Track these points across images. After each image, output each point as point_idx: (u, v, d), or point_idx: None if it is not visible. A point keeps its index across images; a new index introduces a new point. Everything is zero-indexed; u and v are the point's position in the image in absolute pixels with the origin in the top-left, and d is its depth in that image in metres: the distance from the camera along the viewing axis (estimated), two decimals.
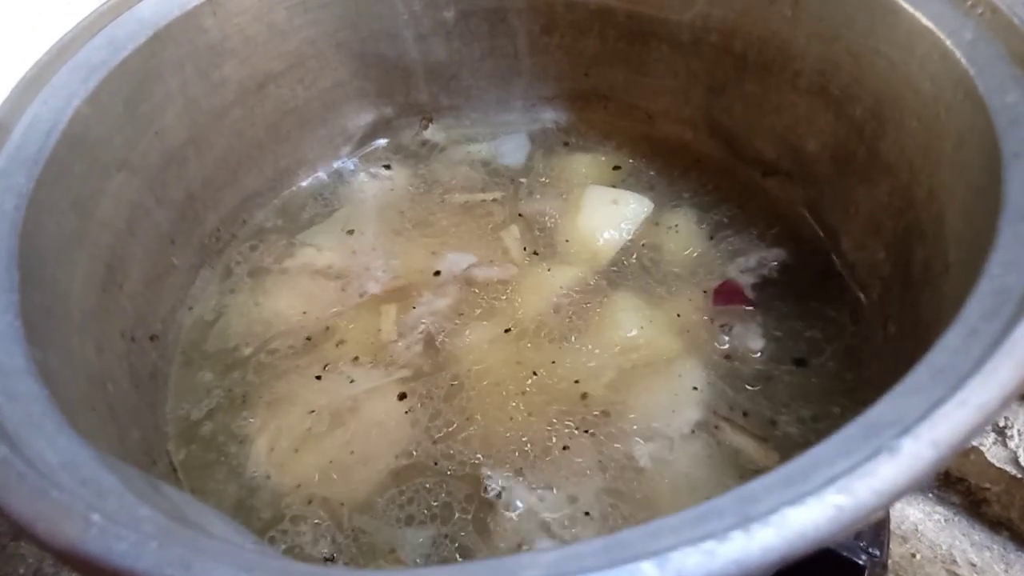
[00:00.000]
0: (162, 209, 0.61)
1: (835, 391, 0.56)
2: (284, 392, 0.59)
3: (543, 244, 0.67)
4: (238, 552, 0.29)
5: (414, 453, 0.54)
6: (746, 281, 0.63)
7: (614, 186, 0.71)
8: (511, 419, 0.55)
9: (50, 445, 0.34)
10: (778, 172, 0.69)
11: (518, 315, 0.62)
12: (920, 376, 0.31)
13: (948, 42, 0.48)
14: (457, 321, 0.62)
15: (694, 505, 0.28)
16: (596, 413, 0.55)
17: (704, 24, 0.68)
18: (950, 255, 0.46)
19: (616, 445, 0.53)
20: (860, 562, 0.51)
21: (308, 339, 0.62)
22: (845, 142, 0.61)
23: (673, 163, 0.74)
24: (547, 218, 0.69)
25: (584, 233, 0.67)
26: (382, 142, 0.79)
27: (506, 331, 0.61)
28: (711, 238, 0.67)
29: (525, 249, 0.66)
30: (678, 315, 0.61)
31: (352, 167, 0.77)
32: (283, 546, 0.51)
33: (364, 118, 0.77)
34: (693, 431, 0.54)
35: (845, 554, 0.51)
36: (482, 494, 0.51)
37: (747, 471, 0.52)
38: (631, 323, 0.60)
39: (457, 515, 0.51)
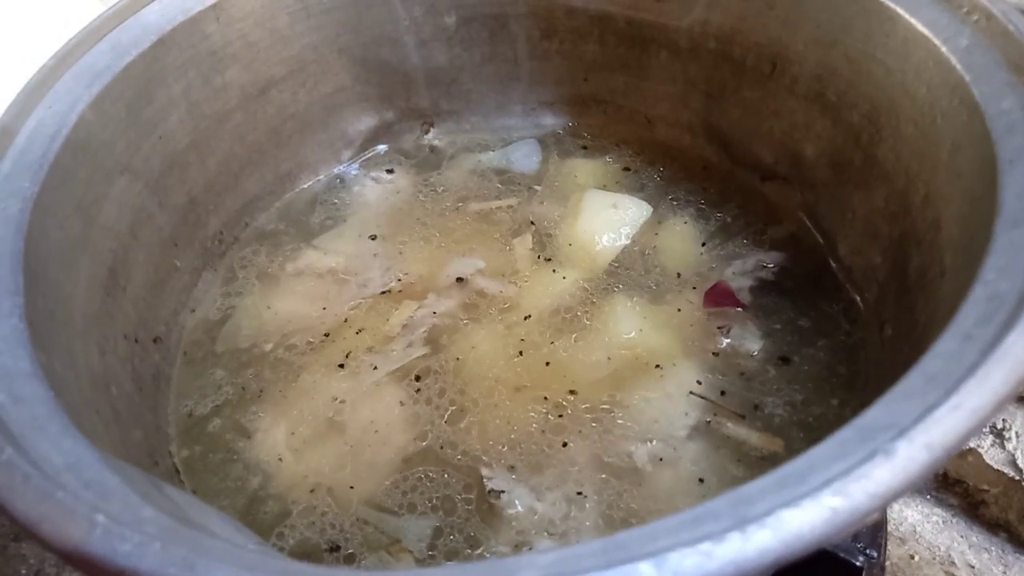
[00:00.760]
0: (164, 213, 0.62)
1: (833, 383, 0.57)
2: (287, 390, 0.59)
3: (548, 249, 0.68)
4: (240, 552, 0.29)
5: (414, 451, 0.55)
6: (743, 284, 0.63)
7: (612, 190, 0.72)
8: (510, 421, 0.56)
9: (55, 447, 0.34)
10: (776, 177, 0.69)
11: (519, 317, 0.62)
12: (914, 380, 0.31)
13: (943, 49, 0.48)
14: (460, 323, 0.62)
15: (692, 506, 0.28)
16: (595, 414, 0.55)
17: (703, 30, 0.68)
18: (946, 260, 0.46)
19: (614, 446, 0.54)
20: (858, 564, 0.51)
21: (311, 341, 0.62)
22: (842, 148, 0.61)
23: (672, 168, 0.74)
24: (549, 223, 0.70)
25: (583, 237, 0.67)
26: (383, 147, 0.79)
27: (507, 333, 0.61)
28: (709, 242, 0.67)
29: (539, 257, 0.67)
30: (676, 318, 0.61)
31: (354, 172, 0.78)
32: (292, 540, 0.51)
33: (365, 123, 0.77)
34: (691, 431, 0.54)
35: (843, 555, 0.51)
36: (484, 493, 0.52)
37: (752, 459, 0.53)
38: (630, 325, 0.60)
39: (460, 507, 0.52)
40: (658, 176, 0.74)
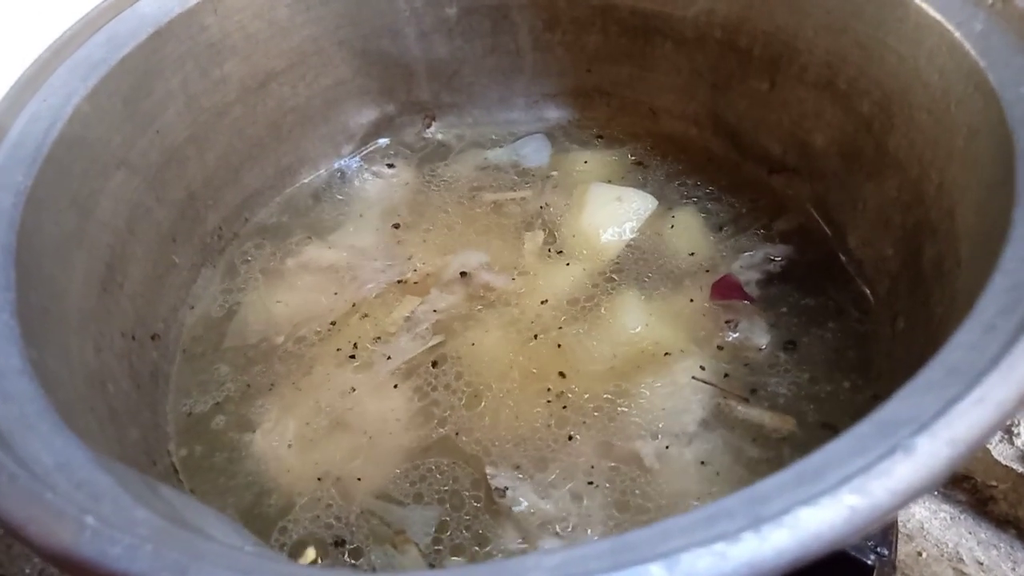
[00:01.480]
0: (163, 208, 0.61)
1: (843, 368, 0.56)
2: (299, 382, 0.59)
3: (553, 243, 0.67)
4: (236, 555, 0.28)
5: (420, 447, 0.54)
6: (751, 277, 0.62)
7: (617, 182, 0.71)
8: (515, 417, 0.55)
9: (45, 446, 0.33)
10: (784, 168, 0.68)
11: (524, 312, 0.61)
12: (934, 372, 0.30)
13: (957, 34, 0.47)
14: (465, 317, 0.62)
15: (701, 503, 0.27)
16: (600, 408, 0.55)
17: (708, 19, 0.67)
18: (962, 251, 0.45)
19: (621, 438, 0.53)
20: (869, 562, 0.50)
21: (319, 332, 0.62)
22: (853, 137, 0.60)
23: (678, 160, 0.73)
24: (553, 216, 0.69)
25: (588, 231, 0.66)
26: (384, 141, 0.78)
27: (509, 327, 0.60)
28: (716, 235, 0.66)
29: (546, 252, 0.66)
30: (683, 311, 0.60)
31: (355, 166, 0.77)
32: (295, 536, 0.51)
33: (366, 116, 0.76)
34: (699, 426, 0.53)
35: (854, 554, 0.50)
36: (490, 492, 0.51)
37: (769, 440, 0.52)
38: (635, 320, 0.60)
39: (468, 503, 0.51)
40: (664, 168, 0.73)
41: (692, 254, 0.65)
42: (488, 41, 0.75)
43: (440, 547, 0.50)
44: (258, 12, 0.65)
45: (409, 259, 0.67)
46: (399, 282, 0.65)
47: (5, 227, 0.44)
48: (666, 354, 0.57)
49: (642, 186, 0.70)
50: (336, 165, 0.76)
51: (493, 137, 0.78)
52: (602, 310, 0.61)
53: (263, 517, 0.52)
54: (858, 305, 0.59)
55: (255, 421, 0.57)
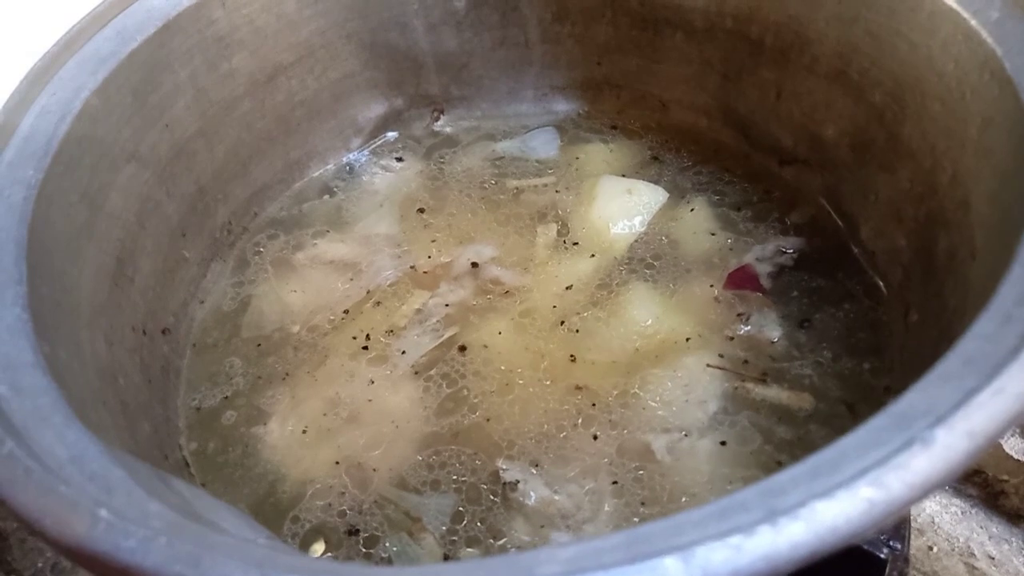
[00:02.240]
0: (172, 202, 0.61)
1: (859, 353, 0.56)
2: (315, 371, 0.59)
3: (564, 236, 0.67)
4: (248, 548, 0.28)
5: (431, 437, 0.54)
6: (762, 270, 0.62)
7: (627, 175, 0.70)
8: (525, 409, 0.55)
9: (58, 439, 0.33)
10: (795, 160, 0.68)
11: (534, 305, 0.61)
12: (951, 364, 0.30)
13: (973, 22, 0.47)
14: (474, 310, 0.62)
15: (713, 496, 0.27)
16: (611, 403, 0.54)
17: (719, 10, 0.66)
18: (976, 241, 0.45)
19: (632, 435, 0.53)
20: (882, 556, 0.50)
21: (331, 326, 0.62)
22: (864, 128, 0.60)
23: (688, 152, 0.73)
24: (564, 210, 0.69)
25: (598, 224, 0.66)
26: (393, 134, 0.78)
27: (522, 320, 0.60)
28: (727, 227, 0.66)
29: (555, 245, 0.66)
30: (693, 304, 0.60)
31: (363, 159, 0.76)
32: (308, 525, 0.51)
33: (375, 109, 0.76)
34: (710, 420, 0.53)
35: (867, 548, 0.50)
36: (500, 486, 0.51)
37: (796, 419, 0.53)
38: (646, 313, 0.59)
39: (484, 495, 0.51)
40: (674, 161, 0.72)
41: (703, 247, 0.64)
42: (497, 33, 0.75)
43: (455, 537, 0.50)
44: (266, 5, 0.65)
45: (418, 251, 0.67)
46: (409, 274, 0.65)
47: (16, 221, 0.44)
48: (679, 345, 0.57)
49: (652, 178, 0.70)
50: (345, 159, 0.76)
51: (502, 130, 0.78)
52: (613, 303, 0.61)
53: (275, 506, 0.52)
54: (871, 297, 0.59)
55: (267, 412, 0.57)
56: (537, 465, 0.52)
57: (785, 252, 0.63)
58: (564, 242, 0.66)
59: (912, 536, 0.75)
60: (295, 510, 0.52)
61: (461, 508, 0.51)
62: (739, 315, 0.59)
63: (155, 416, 0.54)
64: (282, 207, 0.73)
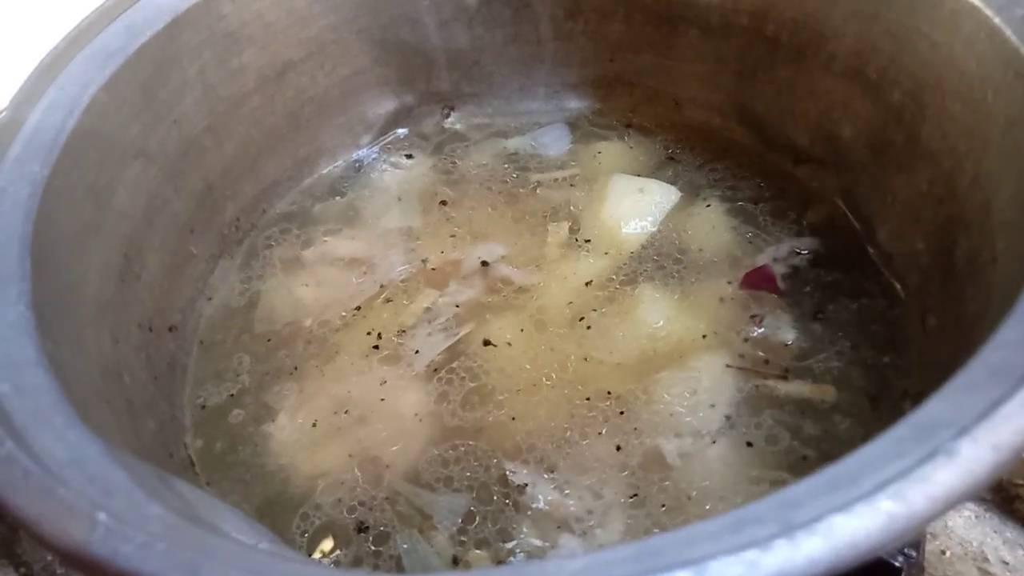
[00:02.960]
0: (180, 198, 0.60)
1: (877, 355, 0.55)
2: (323, 367, 0.59)
3: (575, 235, 0.66)
4: (248, 554, 0.27)
5: (441, 435, 0.54)
6: (777, 271, 0.61)
7: (639, 173, 0.70)
8: (534, 411, 0.54)
9: (59, 440, 0.33)
10: (811, 160, 0.67)
11: (543, 305, 0.61)
12: (976, 372, 0.29)
13: (997, 20, 0.46)
14: (483, 310, 0.61)
15: (722, 503, 0.26)
16: (621, 406, 0.54)
17: (734, 6, 0.66)
18: (998, 244, 0.44)
19: (642, 438, 0.52)
20: (897, 564, 0.49)
21: (341, 322, 0.62)
22: (882, 128, 0.59)
23: (701, 150, 0.72)
24: (575, 208, 0.68)
25: (609, 223, 0.65)
26: (403, 131, 0.78)
27: (531, 321, 0.60)
28: (740, 228, 0.65)
29: (566, 244, 0.65)
30: (706, 305, 0.59)
31: (373, 156, 0.76)
32: (317, 522, 0.51)
33: (385, 106, 0.76)
34: (732, 421, 0.52)
35: (881, 555, 0.49)
36: (508, 488, 0.51)
37: (819, 411, 0.52)
38: (657, 314, 0.58)
39: (496, 498, 0.51)
40: (687, 159, 0.71)
41: (717, 246, 0.63)
42: (509, 30, 0.74)
43: (465, 538, 0.49)
44: (276, 1, 0.64)
45: (427, 249, 0.66)
46: (421, 270, 0.64)
47: (22, 217, 0.43)
48: (696, 344, 0.56)
49: (664, 177, 0.69)
50: (354, 155, 0.76)
51: (513, 127, 0.77)
52: (623, 304, 0.60)
53: (284, 503, 0.52)
54: (888, 298, 0.58)
55: (275, 407, 0.57)
56: (547, 469, 0.51)
57: (800, 253, 0.62)
58: (576, 240, 0.65)
59: (926, 540, 0.74)
60: (304, 507, 0.51)
61: (472, 508, 0.50)
62: (753, 316, 0.58)
63: (160, 414, 0.53)
64: (291, 203, 0.72)
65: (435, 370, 0.57)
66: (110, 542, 0.27)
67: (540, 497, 0.50)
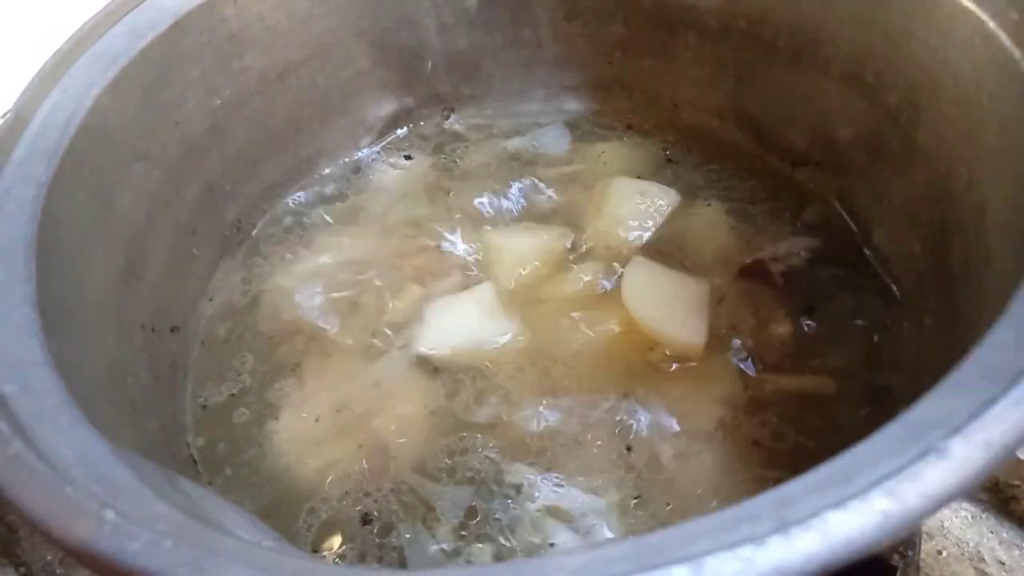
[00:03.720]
0: (182, 200, 0.61)
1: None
2: (323, 366, 0.59)
3: (575, 237, 0.66)
4: (254, 551, 0.28)
5: (441, 434, 0.54)
6: (775, 270, 0.61)
7: (639, 176, 0.70)
8: (538, 409, 0.55)
9: (65, 439, 0.33)
10: (808, 162, 0.67)
11: (540, 306, 0.61)
12: (968, 373, 0.29)
13: (992, 24, 0.46)
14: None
15: (726, 503, 0.26)
16: (626, 405, 0.54)
17: (732, 10, 0.66)
18: (992, 247, 0.44)
19: (647, 439, 0.52)
20: (893, 562, 0.49)
21: (344, 318, 0.62)
22: (879, 131, 0.59)
23: (700, 153, 0.72)
24: (575, 211, 0.68)
25: (611, 225, 0.66)
26: (403, 132, 0.78)
27: (527, 321, 0.60)
28: (739, 229, 0.65)
29: (565, 246, 0.65)
30: (707, 304, 0.59)
31: (373, 157, 0.76)
32: (324, 515, 0.51)
33: (385, 108, 0.76)
34: (719, 424, 0.53)
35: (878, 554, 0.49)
36: (511, 485, 0.51)
37: (821, 403, 0.53)
38: (659, 313, 0.59)
39: (496, 496, 0.51)
40: (686, 162, 0.72)
41: (714, 248, 0.64)
42: (508, 33, 0.74)
43: (466, 532, 0.50)
44: (277, 3, 0.64)
45: (423, 250, 0.66)
46: (413, 271, 0.65)
47: (26, 219, 0.43)
48: (689, 351, 0.57)
49: (664, 180, 0.69)
50: (354, 157, 0.76)
51: (513, 128, 0.78)
52: (623, 305, 0.60)
53: (290, 498, 0.52)
54: (884, 299, 0.59)
55: (278, 404, 0.58)
56: (544, 468, 0.52)
57: (797, 255, 0.62)
58: (577, 240, 0.65)
59: (922, 540, 0.75)
60: (311, 501, 0.52)
61: (474, 503, 0.51)
62: (752, 314, 0.58)
63: (163, 414, 0.54)
64: (292, 204, 0.73)
65: (435, 369, 0.58)
66: (117, 539, 0.27)
67: (543, 494, 0.50)
